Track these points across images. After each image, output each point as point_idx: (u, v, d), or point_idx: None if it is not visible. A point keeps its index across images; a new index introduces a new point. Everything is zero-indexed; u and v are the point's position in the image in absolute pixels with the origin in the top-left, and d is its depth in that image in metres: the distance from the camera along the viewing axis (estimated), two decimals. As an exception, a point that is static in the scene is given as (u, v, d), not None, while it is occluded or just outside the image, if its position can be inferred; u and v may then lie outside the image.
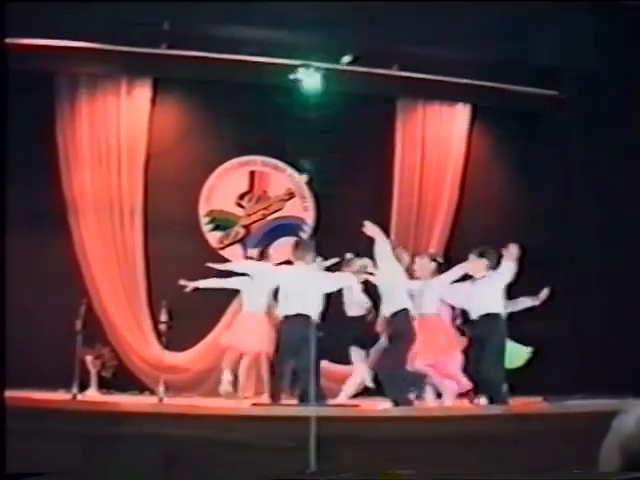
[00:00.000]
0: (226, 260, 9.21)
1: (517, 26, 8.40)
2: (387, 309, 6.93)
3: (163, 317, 7.70)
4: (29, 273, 8.23)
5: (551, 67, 8.95)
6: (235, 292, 9.13)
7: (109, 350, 8.55)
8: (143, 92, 9.17)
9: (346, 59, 8.61)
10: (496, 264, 6.92)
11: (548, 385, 8.43)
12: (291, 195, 9.55)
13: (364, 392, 8.73)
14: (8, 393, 4.49)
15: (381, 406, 6.73)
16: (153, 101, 9.23)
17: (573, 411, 5.96)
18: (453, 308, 7.48)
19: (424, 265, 7.35)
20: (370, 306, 7.59)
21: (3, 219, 5.65)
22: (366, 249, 9.25)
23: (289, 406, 6.78)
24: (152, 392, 8.02)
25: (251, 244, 9.34)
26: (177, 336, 8.16)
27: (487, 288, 6.89)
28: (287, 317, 6.80)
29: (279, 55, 8.78)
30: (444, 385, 7.09)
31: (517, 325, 9.08)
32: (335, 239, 9.26)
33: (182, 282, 7.81)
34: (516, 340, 7.55)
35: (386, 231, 9.25)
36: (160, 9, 7.84)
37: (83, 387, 7.85)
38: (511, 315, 8.31)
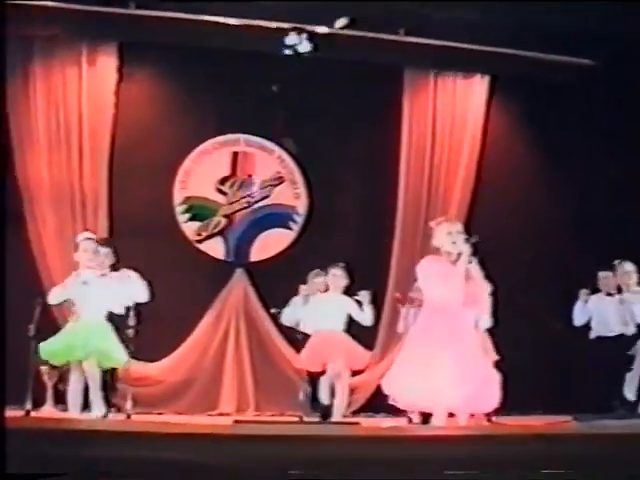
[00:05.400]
0: (204, 254, 9.25)
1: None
2: None
3: (131, 321, 7.68)
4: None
5: (582, 31, 8.88)
6: (214, 294, 9.16)
7: (68, 360, 8.50)
8: (108, 61, 9.09)
9: (341, 22, 8.53)
10: None
11: (578, 402, 8.44)
12: (280, 180, 9.51)
13: (366, 408, 8.81)
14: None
15: (386, 424, 6.74)
16: (120, 71, 9.13)
17: (607, 432, 5.93)
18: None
19: (339, 278, 7.82)
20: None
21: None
22: (367, 241, 9.31)
23: (277, 423, 6.80)
24: (118, 408, 8.00)
25: (233, 236, 9.36)
26: (147, 343, 8.12)
27: None
28: None
29: (266, 17, 8.72)
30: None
31: (545, 331, 9.20)
32: (331, 231, 9.31)
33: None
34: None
35: (392, 219, 9.32)
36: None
37: (38, 403, 7.84)
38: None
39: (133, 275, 7.27)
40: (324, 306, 7.82)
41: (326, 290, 7.95)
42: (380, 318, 9.16)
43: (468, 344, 6.02)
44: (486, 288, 6.61)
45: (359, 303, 7.68)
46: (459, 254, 6.00)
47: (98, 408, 6.89)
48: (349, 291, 7.92)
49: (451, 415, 6.41)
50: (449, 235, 6.06)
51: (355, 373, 8.16)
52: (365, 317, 7.73)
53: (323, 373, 7.75)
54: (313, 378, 7.94)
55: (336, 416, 7.56)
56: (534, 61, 9.39)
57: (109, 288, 7.15)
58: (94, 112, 9.06)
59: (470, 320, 6.31)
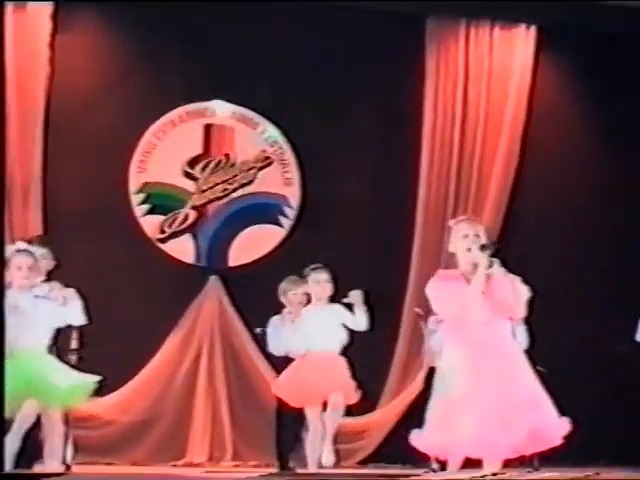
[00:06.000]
0: (169, 257, 9.18)
1: None
2: None
3: (73, 343, 7.69)
4: None
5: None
6: (181, 308, 9.17)
7: (-9, 394, 8.42)
8: (40, 5, 9.01)
9: None
10: None
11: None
12: (267, 161, 9.46)
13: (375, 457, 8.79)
14: None
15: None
16: (55, 19, 9.03)
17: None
18: None
19: (324, 285, 7.67)
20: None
21: None
22: (376, 240, 9.22)
23: (261, 476, 6.85)
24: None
25: (206, 234, 9.27)
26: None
27: None
28: None
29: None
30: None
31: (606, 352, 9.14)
32: (331, 228, 9.23)
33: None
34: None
35: (410, 212, 9.26)
36: None
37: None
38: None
39: (66, 292, 6.89)
40: (312, 323, 7.60)
41: (308, 302, 7.77)
42: (396, 341, 9.40)
43: (500, 372, 5.91)
44: (521, 291, 6.46)
45: (349, 307, 7.51)
46: (475, 265, 5.90)
47: (57, 459, 6.73)
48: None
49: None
50: (465, 239, 5.99)
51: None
52: (359, 321, 7.52)
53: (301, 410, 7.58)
54: (281, 410, 7.83)
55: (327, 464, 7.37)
56: (592, 7, 9.52)
57: (48, 306, 6.88)
58: (23, 71, 8.90)
59: (504, 336, 6.18)
